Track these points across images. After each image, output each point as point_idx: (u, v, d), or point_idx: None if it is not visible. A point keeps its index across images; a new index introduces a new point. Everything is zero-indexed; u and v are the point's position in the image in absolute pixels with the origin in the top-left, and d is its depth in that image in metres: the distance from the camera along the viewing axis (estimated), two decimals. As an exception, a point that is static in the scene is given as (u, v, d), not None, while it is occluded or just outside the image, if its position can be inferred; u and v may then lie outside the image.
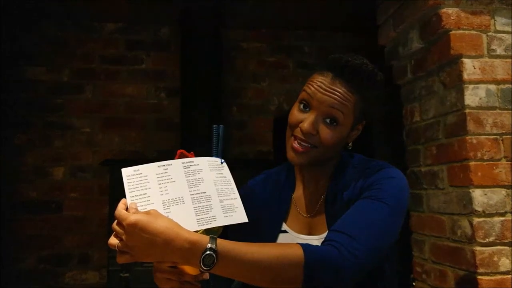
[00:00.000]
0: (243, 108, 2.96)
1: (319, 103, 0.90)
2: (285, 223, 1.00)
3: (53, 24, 2.79)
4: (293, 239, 0.96)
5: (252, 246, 0.75)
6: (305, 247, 0.76)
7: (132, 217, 0.71)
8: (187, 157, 0.86)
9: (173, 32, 2.90)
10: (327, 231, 0.87)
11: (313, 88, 0.91)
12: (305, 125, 0.90)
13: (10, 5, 2.46)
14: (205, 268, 0.71)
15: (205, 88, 2.58)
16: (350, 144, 0.99)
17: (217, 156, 0.89)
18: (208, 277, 0.80)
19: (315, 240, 0.94)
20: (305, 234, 0.97)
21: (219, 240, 0.72)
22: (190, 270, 0.80)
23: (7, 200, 2.60)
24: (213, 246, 0.71)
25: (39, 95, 2.73)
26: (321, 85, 0.91)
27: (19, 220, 2.61)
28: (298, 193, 1.04)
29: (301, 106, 0.93)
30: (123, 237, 0.73)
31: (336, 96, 0.89)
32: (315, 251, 0.76)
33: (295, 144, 0.92)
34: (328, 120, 0.90)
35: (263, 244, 0.77)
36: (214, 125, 0.90)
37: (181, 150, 0.87)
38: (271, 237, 0.99)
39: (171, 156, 0.86)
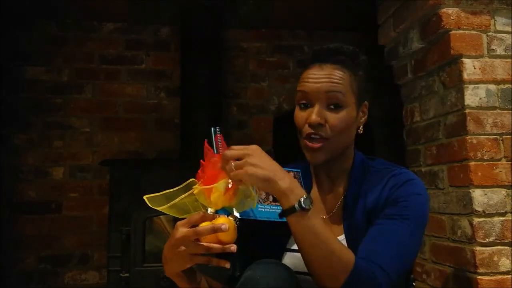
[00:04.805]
0: (243, 108, 2.96)
1: (317, 94, 0.91)
2: None
3: (53, 24, 2.79)
4: None
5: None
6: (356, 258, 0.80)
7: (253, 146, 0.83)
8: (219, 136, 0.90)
9: (173, 32, 2.90)
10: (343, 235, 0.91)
11: (307, 84, 0.93)
12: (312, 117, 0.90)
13: (9, 4, 2.46)
14: (300, 207, 0.77)
15: (205, 88, 2.58)
16: (361, 128, 0.99)
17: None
18: (235, 250, 0.77)
19: None
20: None
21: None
22: (225, 237, 0.75)
23: (7, 200, 2.59)
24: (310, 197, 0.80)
25: (39, 95, 2.72)
26: (312, 76, 0.93)
27: (19, 220, 2.61)
28: (315, 192, 1.03)
29: (302, 105, 0.94)
30: (245, 156, 0.81)
31: (329, 79, 0.91)
32: (363, 267, 0.79)
33: (309, 143, 0.92)
34: (332, 106, 0.91)
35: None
36: (213, 127, 0.91)
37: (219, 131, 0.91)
38: (287, 235, 0.98)
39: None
